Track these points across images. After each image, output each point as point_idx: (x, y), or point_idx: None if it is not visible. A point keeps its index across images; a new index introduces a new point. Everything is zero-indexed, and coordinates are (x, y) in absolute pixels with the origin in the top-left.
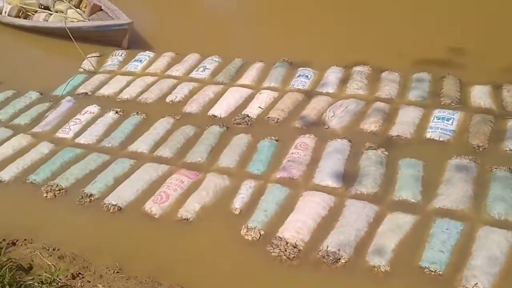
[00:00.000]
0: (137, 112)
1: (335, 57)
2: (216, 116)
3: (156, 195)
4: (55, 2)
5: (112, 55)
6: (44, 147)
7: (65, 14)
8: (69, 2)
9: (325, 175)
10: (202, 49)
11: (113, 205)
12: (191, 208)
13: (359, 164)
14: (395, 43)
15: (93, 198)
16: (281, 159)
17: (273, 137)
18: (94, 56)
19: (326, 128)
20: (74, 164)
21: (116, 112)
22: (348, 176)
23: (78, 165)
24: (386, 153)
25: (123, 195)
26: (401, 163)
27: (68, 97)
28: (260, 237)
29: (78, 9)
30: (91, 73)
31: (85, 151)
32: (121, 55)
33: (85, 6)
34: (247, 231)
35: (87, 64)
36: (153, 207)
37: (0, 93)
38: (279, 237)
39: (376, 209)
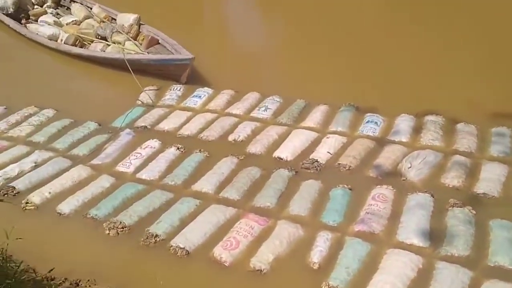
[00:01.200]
0: (199, 150)
1: (403, 104)
2: (282, 159)
3: (225, 241)
4: (113, 33)
5: (170, 89)
6: (105, 181)
7: (123, 45)
8: (127, 34)
9: (410, 232)
10: (261, 88)
11: (180, 248)
12: (264, 258)
13: (445, 222)
14: (467, 94)
15: (158, 239)
16: (358, 210)
17: (346, 185)
18: (151, 89)
19: (404, 179)
20: (137, 201)
21: (178, 148)
22: (435, 235)
23: (141, 202)
24: (474, 211)
25: (191, 238)
26: (492, 224)
27: (128, 130)
28: None
29: (135, 41)
30: (149, 106)
31: (148, 187)
32: (179, 89)
33: (143, 38)
34: None
35: (145, 97)
36: (223, 253)
37: (57, 121)
38: None
39: (471, 274)
